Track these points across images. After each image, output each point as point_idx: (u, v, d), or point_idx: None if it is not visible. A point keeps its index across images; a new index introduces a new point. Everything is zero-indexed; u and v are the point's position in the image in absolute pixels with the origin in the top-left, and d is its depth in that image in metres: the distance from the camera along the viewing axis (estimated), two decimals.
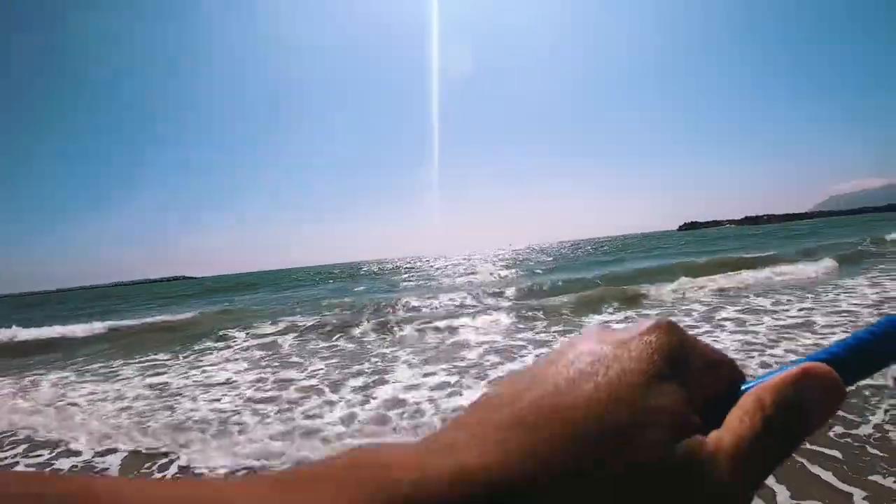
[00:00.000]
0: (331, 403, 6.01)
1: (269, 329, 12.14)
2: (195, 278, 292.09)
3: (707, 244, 38.93)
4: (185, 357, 10.16)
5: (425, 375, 6.87)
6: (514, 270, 27.89)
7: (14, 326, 16.30)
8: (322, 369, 7.92)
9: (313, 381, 7.19)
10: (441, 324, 10.63)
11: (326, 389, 6.67)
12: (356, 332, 10.93)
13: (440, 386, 6.28)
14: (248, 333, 12.00)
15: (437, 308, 14.17)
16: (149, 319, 16.61)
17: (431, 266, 49.45)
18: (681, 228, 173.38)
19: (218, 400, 6.74)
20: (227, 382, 7.75)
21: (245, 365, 8.91)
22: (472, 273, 29.89)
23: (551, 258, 41.33)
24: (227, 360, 9.50)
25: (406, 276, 37.31)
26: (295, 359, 9.07)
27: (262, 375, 7.95)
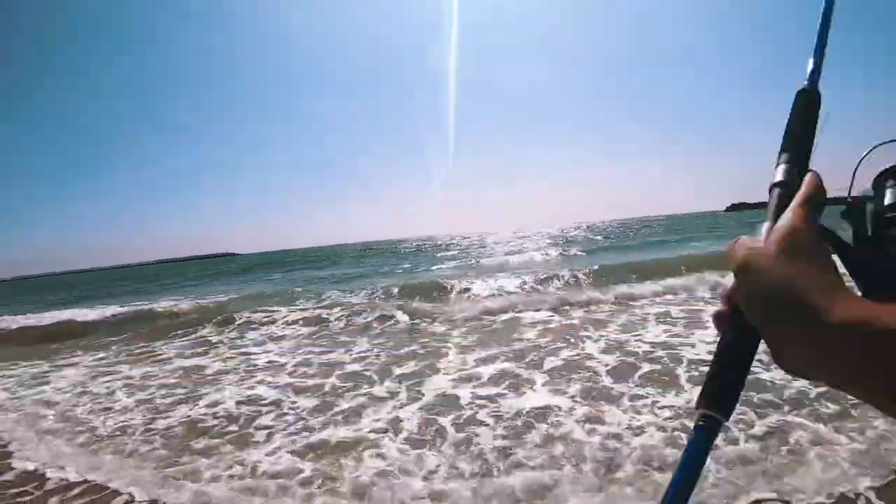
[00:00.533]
0: (377, 400, 5.37)
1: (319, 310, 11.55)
2: (240, 255, 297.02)
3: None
4: (228, 336, 9.96)
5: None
6: (572, 250, 25.54)
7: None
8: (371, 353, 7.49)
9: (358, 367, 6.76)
10: (536, 315, 9.16)
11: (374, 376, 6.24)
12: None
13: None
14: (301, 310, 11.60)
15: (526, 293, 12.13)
16: (202, 301, 16.11)
17: (485, 244, 47.26)
18: (728, 209, 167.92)
19: (252, 388, 6.25)
20: (270, 366, 7.37)
21: (288, 345, 8.68)
22: (537, 250, 27.69)
23: (601, 237, 39.44)
24: (273, 340, 9.26)
25: (455, 252, 36.24)
26: (344, 338, 8.74)
27: (307, 357, 7.61)
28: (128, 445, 4.68)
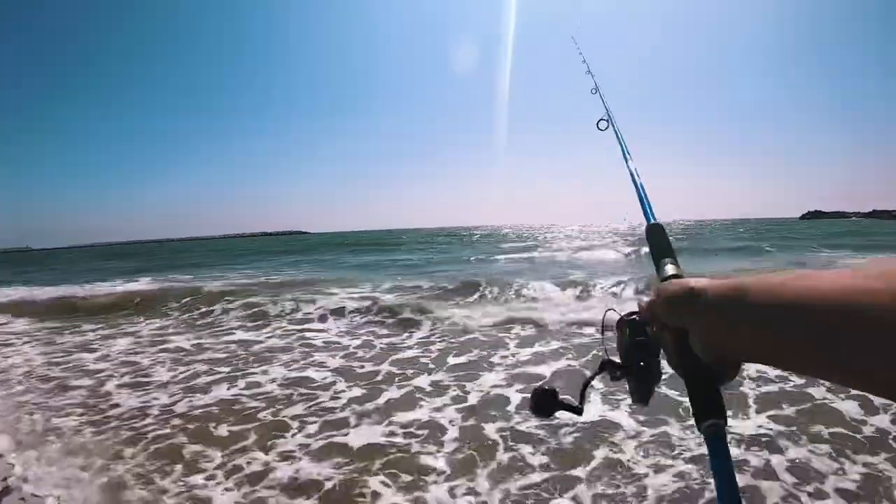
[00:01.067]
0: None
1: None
2: (308, 233, 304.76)
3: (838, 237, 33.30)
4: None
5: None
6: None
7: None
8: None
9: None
10: None
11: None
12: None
13: None
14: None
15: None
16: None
17: (554, 237, 45.58)
18: (803, 217, 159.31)
19: (302, 371, 6.07)
20: (327, 346, 7.29)
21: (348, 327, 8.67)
22: (607, 246, 25.36)
23: (680, 237, 37.34)
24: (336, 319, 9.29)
25: (521, 245, 34.71)
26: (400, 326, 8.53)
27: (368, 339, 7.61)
28: (123, 434, 4.34)
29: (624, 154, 1.46)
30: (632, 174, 1.28)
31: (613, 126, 1.57)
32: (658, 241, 0.86)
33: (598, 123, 1.64)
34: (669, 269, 0.73)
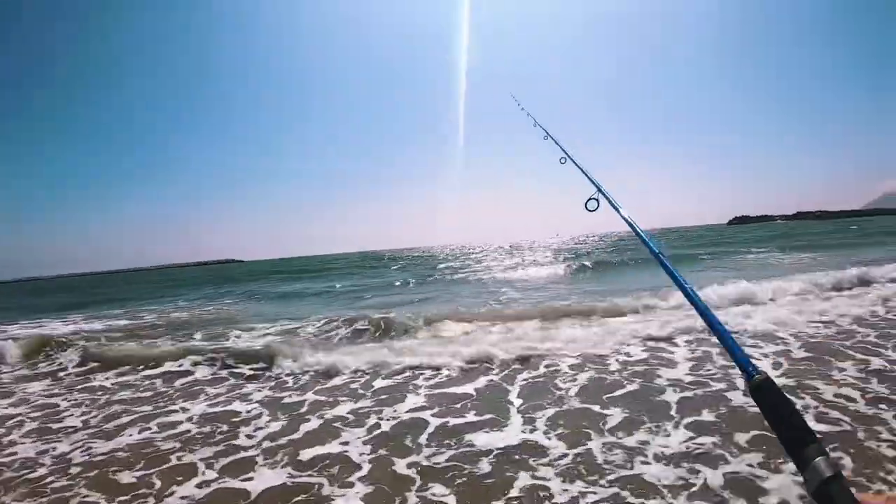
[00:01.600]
0: None
1: None
2: (243, 262, 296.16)
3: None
4: None
5: None
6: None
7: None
8: None
9: None
10: None
11: None
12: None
13: None
14: None
15: None
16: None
17: (483, 258, 43.55)
18: (730, 222, 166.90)
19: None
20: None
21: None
22: (548, 264, 24.96)
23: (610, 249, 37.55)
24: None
25: (456, 266, 32.85)
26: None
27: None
28: None
29: (612, 204, 1.93)
30: (628, 223, 1.70)
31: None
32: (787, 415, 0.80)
33: (587, 202, 2.05)
34: (825, 468, 0.68)
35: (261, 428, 4.80)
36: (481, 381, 5.73)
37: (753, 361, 0.91)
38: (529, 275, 20.79)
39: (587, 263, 22.49)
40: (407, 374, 6.33)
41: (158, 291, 31.63)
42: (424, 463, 3.78)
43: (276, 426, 4.82)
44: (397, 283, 22.15)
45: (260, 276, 39.85)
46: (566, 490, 3.24)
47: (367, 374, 6.47)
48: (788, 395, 0.79)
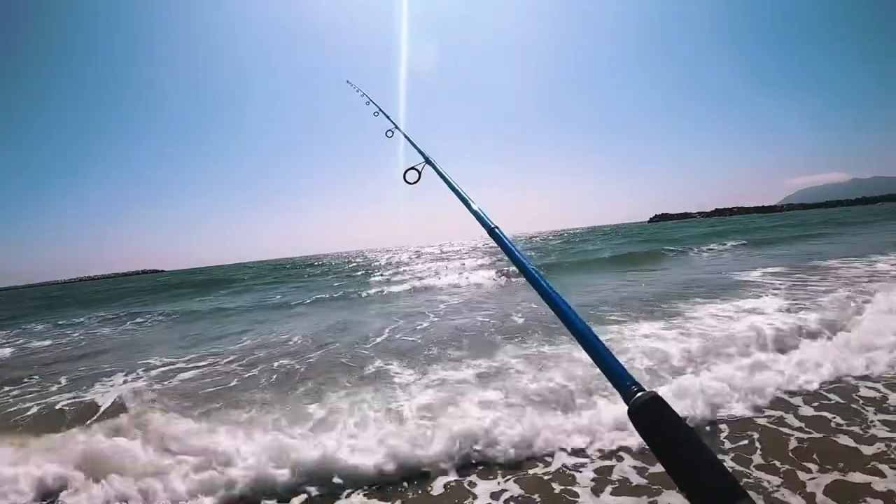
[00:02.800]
0: None
1: None
2: (163, 271, 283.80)
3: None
4: None
5: None
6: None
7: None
8: None
9: None
10: None
11: None
12: None
13: None
14: None
15: None
16: None
17: (407, 260, 41.88)
18: (651, 220, 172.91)
19: None
20: None
21: None
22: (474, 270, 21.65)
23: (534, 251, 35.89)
24: None
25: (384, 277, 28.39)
26: None
27: None
28: None
29: (439, 172, 1.90)
30: (458, 192, 1.69)
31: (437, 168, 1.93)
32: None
33: (406, 173, 1.99)
34: None
35: None
36: None
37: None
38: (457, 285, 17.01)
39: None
40: None
41: (36, 313, 25.79)
42: None
43: None
44: (277, 298, 19.06)
45: (165, 289, 35.49)
46: None
47: None
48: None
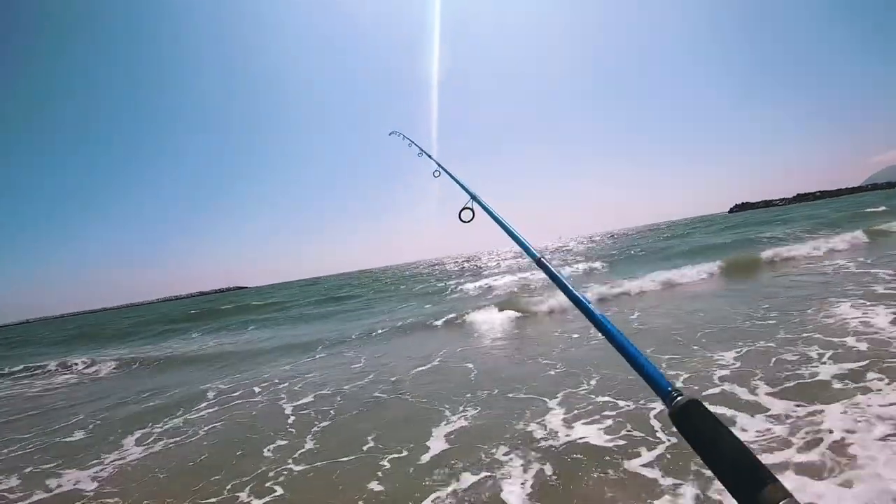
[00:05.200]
0: None
1: None
2: (248, 288, 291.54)
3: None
4: None
5: None
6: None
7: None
8: None
9: None
10: None
11: None
12: None
13: None
14: None
15: None
16: None
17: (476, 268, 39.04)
18: (732, 210, 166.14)
19: None
20: None
21: None
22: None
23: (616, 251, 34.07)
24: None
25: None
26: None
27: None
28: None
29: (487, 210, 1.90)
30: (504, 227, 1.65)
31: (480, 202, 1.99)
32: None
33: (461, 212, 2.02)
34: None
35: None
36: None
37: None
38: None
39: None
40: None
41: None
42: None
43: None
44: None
45: (256, 310, 29.27)
46: None
47: None
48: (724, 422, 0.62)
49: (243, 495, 4.29)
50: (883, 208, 31.58)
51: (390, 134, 4.45)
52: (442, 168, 2.80)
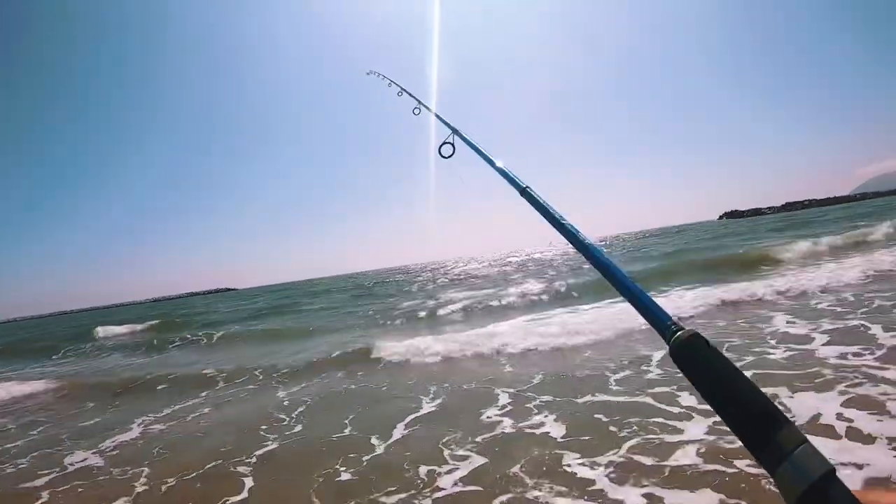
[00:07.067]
0: None
1: None
2: (237, 290, 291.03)
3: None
4: None
5: None
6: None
7: None
8: None
9: None
10: None
11: None
12: None
13: None
14: None
15: None
16: None
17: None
18: (721, 217, 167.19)
19: None
20: None
21: None
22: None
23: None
24: None
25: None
26: None
27: None
28: None
29: (470, 143, 1.90)
30: (489, 160, 1.67)
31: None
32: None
33: (440, 147, 2.05)
34: (811, 463, 0.51)
35: None
36: None
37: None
38: None
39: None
40: None
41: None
42: None
43: None
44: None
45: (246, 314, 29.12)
46: None
47: None
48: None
49: None
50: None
51: (367, 74, 4.36)
52: (422, 104, 2.85)
